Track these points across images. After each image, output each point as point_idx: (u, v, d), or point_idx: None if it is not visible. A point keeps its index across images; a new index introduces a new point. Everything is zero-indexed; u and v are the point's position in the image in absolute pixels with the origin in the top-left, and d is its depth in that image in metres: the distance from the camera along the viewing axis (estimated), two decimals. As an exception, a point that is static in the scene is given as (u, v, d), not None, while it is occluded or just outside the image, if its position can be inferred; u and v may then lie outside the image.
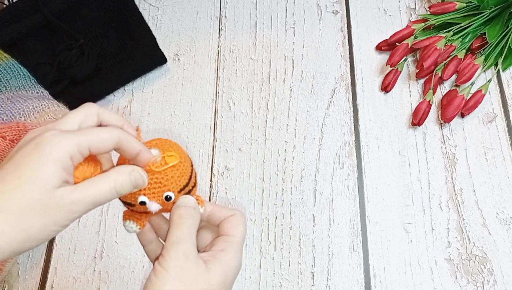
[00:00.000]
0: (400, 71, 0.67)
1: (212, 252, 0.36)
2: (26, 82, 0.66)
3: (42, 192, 0.29)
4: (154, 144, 0.36)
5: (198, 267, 0.34)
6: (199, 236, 0.38)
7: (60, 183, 0.30)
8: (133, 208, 0.36)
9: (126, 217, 0.37)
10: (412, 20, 0.72)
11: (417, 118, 0.64)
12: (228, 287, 0.35)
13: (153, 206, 0.35)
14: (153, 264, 0.38)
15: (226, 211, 0.38)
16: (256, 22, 0.74)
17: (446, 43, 0.65)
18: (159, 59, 0.70)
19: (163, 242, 0.38)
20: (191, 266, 0.33)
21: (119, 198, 0.35)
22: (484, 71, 0.67)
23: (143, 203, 0.35)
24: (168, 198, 0.35)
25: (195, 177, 0.38)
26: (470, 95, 0.64)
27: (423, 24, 0.69)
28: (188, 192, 0.37)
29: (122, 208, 0.37)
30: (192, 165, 0.37)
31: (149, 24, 0.73)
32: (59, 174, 0.30)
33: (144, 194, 0.35)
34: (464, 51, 0.67)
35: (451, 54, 0.66)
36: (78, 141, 0.31)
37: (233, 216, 0.38)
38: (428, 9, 0.70)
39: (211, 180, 0.63)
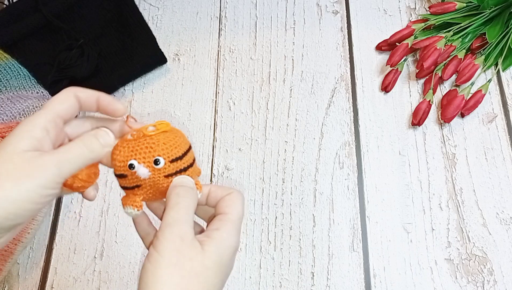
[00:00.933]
0: (400, 71, 0.67)
1: (207, 232, 0.35)
2: (26, 82, 0.66)
3: (12, 155, 0.31)
4: (155, 124, 0.37)
5: (193, 250, 0.32)
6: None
7: (28, 148, 0.32)
8: (125, 182, 0.36)
9: (123, 203, 0.37)
10: (412, 20, 0.72)
11: (417, 118, 0.64)
12: (224, 267, 0.34)
13: (141, 169, 0.35)
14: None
15: (223, 190, 0.37)
16: (256, 22, 0.74)
17: (446, 43, 0.65)
18: (159, 59, 0.70)
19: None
20: (186, 249, 0.32)
21: (114, 174, 0.36)
22: (484, 71, 0.67)
23: (132, 166, 0.35)
24: (157, 162, 0.35)
25: (193, 159, 0.37)
26: (470, 95, 0.64)
27: (423, 24, 0.69)
28: (184, 170, 0.36)
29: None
30: (190, 147, 0.37)
31: (149, 24, 0.73)
32: (28, 141, 0.32)
33: (134, 158, 0.35)
34: (464, 51, 0.67)
35: (451, 54, 0.66)
36: (45, 113, 0.33)
37: (229, 195, 0.37)
38: (428, 9, 0.70)
39: (211, 180, 0.63)
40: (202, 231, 0.38)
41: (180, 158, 0.36)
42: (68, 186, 0.35)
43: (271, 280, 0.58)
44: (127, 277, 0.59)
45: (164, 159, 0.35)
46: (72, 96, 0.35)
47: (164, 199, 0.37)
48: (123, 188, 0.37)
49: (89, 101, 0.36)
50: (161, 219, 0.37)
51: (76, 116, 0.37)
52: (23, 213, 0.31)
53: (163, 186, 0.36)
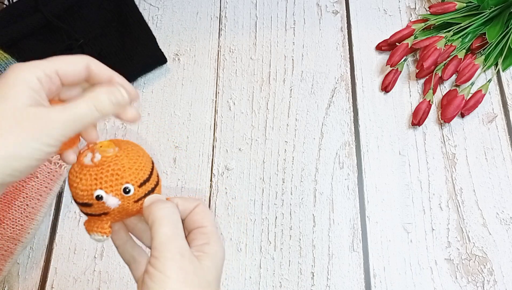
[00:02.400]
0: (400, 71, 0.67)
1: (197, 247, 0.34)
2: (26, 82, 0.66)
3: (14, 110, 0.29)
4: (109, 143, 0.34)
5: (194, 265, 0.32)
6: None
7: (31, 102, 0.30)
8: (90, 210, 0.33)
9: (88, 229, 0.35)
10: (412, 20, 0.72)
11: (417, 118, 0.64)
12: (219, 278, 0.34)
13: (111, 200, 0.32)
14: (128, 265, 0.36)
15: (189, 203, 0.36)
16: (256, 22, 0.74)
17: (446, 43, 0.65)
18: (159, 59, 0.70)
19: (138, 242, 0.37)
20: (188, 264, 0.31)
21: (75, 201, 0.33)
22: (484, 71, 0.67)
23: (99, 197, 0.32)
24: (127, 191, 0.33)
25: (157, 175, 0.35)
26: (470, 95, 0.64)
27: (423, 24, 0.69)
28: (152, 191, 0.34)
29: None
30: (153, 163, 0.35)
31: (149, 24, 0.73)
32: (28, 94, 0.30)
33: (101, 188, 0.32)
34: (464, 51, 0.67)
35: (451, 54, 0.66)
36: (44, 66, 0.31)
37: (198, 207, 0.36)
38: (428, 9, 0.70)
39: (211, 180, 0.63)
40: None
41: (147, 180, 0.34)
42: None
43: (271, 280, 0.58)
44: (127, 277, 0.59)
45: (133, 185, 0.33)
46: (82, 63, 0.33)
47: (135, 221, 0.35)
48: (87, 214, 0.34)
49: (100, 76, 0.34)
50: (139, 237, 0.36)
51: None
52: (24, 170, 0.30)
53: (132, 210, 0.34)
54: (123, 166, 0.33)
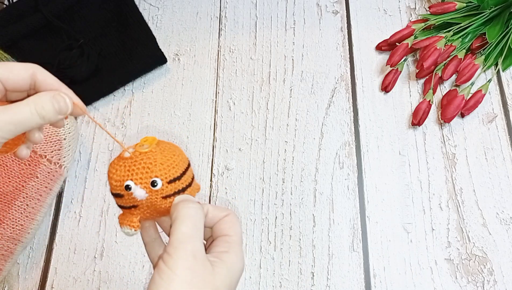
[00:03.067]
0: (400, 71, 0.67)
1: (216, 253, 0.34)
2: (26, 82, 0.66)
3: None
4: (153, 139, 0.36)
5: (205, 269, 0.32)
6: None
7: None
8: (122, 201, 0.35)
9: (120, 222, 0.36)
10: (412, 20, 0.72)
11: (417, 118, 0.64)
12: (233, 289, 0.34)
13: (138, 191, 0.34)
14: (153, 264, 0.37)
15: (220, 211, 0.36)
16: (256, 22, 0.74)
17: (446, 43, 0.65)
18: (159, 59, 0.70)
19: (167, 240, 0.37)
20: (199, 267, 0.31)
21: (111, 193, 0.35)
22: (484, 71, 0.67)
23: (128, 187, 0.33)
24: (154, 184, 0.34)
25: (192, 178, 0.37)
26: (470, 95, 0.64)
27: (423, 24, 0.69)
28: (182, 191, 0.35)
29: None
30: (189, 166, 0.36)
31: (149, 24, 0.73)
32: None
33: (131, 179, 0.34)
34: (464, 51, 0.67)
35: (451, 54, 0.66)
36: None
37: (228, 216, 0.36)
38: (428, 9, 0.70)
39: (211, 180, 0.63)
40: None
41: (178, 178, 0.35)
42: None
43: (271, 280, 0.58)
44: (127, 277, 0.59)
45: (162, 180, 0.34)
46: (26, 71, 0.33)
47: (164, 217, 0.36)
48: (120, 207, 0.36)
49: (46, 86, 0.33)
50: (167, 232, 0.36)
51: (28, 94, 0.34)
52: None
53: (161, 207, 0.35)
54: (155, 160, 0.34)
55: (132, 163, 0.34)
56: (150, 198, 0.34)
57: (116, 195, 0.35)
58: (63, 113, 0.33)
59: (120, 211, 0.36)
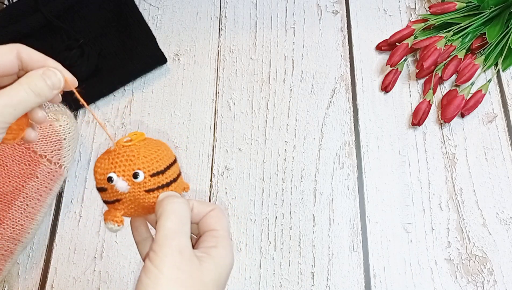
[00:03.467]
0: (400, 71, 0.67)
1: (203, 248, 0.33)
2: (26, 82, 0.66)
3: None
4: (129, 135, 0.35)
5: (192, 265, 0.31)
6: None
7: None
8: (105, 196, 0.34)
9: (104, 218, 0.35)
10: (412, 20, 0.72)
11: (417, 118, 0.64)
12: (222, 285, 0.33)
13: (120, 183, 0.33)
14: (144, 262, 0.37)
15: (205, 206, 0.36)
16: (256, 22, 0.74)
17: (446, 43, 0.65)
18: (159, 59, 0.70)
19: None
20: (186, 264, 0.31)
21: (97, 188, 0.34)
22: (484, 71, 0.67)
23: (110, 179, 0.33)
24: (136, 176, 0.33)
25: (178, 175, 0.36)
26: (470, 95, 0.64)
27: (423, 24, 0.69)
28: (166, 186, 0.35)
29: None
30: (175, 162, 0.36)
31: (149, 24, 0.73)
32: None
33: (113, 171, 0.33)
34: (464, 51, 0.67)
35: (451, 54, 0.66)
36: None
37: (213, 211, 0.35)
38: (428, 9, 0.70)
39: (211, 180, 0.63)
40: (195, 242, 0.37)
41: (161, 172, 0.34)
42: None
43: (271, 280, 0.58)
44: (127, 277, 0.59)
45: (144, 172, 0.34)
46: (11, 53, 0.33)
47: (150, 215, 0.36)
48: (105, 202, 0.35)
49: (33, 62, 0.33)
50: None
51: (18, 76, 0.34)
52: None
53: (144, 201, 0.34)
54: (138, 153, 0.34)
55: (115, 155, 0.34)
56: (132, 190, 0.34)
57: (100, 190, 0.35)
58: (56, 88, 0.33)
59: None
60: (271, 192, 0.62)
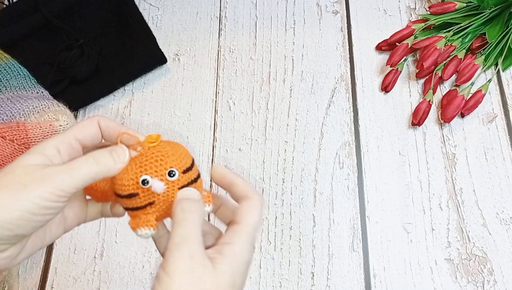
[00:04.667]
0: (400, 71, 0.67)
1: (218, 246, 0.33)
2: (26, 82, 0.66)
3: (17, 168, 0.31)
4: (147, 138, 0.35)
5: (205, 268, 0.30)
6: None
7: (36, 162, 0.31)
8: (136, 202, 0.33)
9: (134, 226, 0.34)
10: (412, 20, 0.72)
11: (417, 118, 0.64)
12: (238, 284, 0.32)
13: (156, 184, 0.33)
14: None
15: (244, 191, 0.35)
16: (256, 22, 0.74)
17: (446, 43, 0.65)
18: (159, 59, 0.70)
19: None
20: (197, 268, 0.30)
21: (120, 195, 0.34)
22: (484, 71, 0.67)
23: (145, 182, 0.33)
24: (172, 174, 0.33)
25: (198, 170, 0.36)
26: (470, 95, 0.64)
27: (423, 24, 0.69)
28: (195, 181, 0.34)
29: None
30: (193, 159, 0.36)
31: (149, 24, 0.73)
32: (36, 157, 0.31)
33: (146, 173, 0.33)
34: (464, 51, 0.67)
35: (451, 54, 0.66)
36: (63, 134, 0.33)
37: (248, 200, 0.34)
38: (428, 9, 0.70)
39: (210, 180, 0.63)
40: (219, 236, 0.36)
41: (190, 168, 0.34)
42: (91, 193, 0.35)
43: (271, 280, 0.58)
44: (127, 277, 0.59)
45: (178, 170, 0.33)
46: (94, 123, 0.34)
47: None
48: (132, 209, 0.34)
49: (109, 130, 0.35)
50: None
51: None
52: (21, 224, 0.30)
53: (175, 199, 0.34)
54: (166, 152, 0.34)
55: (143, 158, 0.33)
56: (167, 190, 0.33)
57: (128, 197, 0.34)
58: (120, 162, 0.33)
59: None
60: (271, 192, 0.62)
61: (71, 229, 0.36)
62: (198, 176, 0.35)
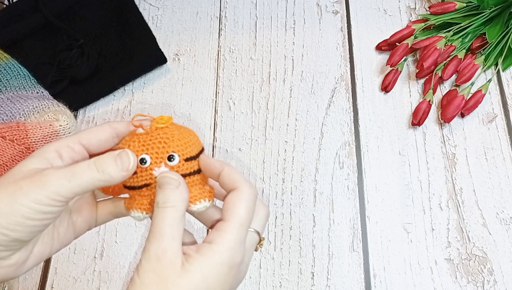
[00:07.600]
0: (400, 71, 0.67)
1: (198, 245, 0.30)
2: (26, 82, 0.66)
3: (16, 170, 0.30)
4: (168, 117, 0.34)
5: (172, 270, 0.29)
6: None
7: (36, 165, 0.31)
8: (134, 180, 0.33)
9: (128, 206, 0.34)
10: (412, 20, 0.72)
11: (417, 118, 0.64)
12: (214, 285, 0.29)
13: (154, 165, 0.32)
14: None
15: (234, 181, 0.32)
16: (256, 22, 0.74)
17: (446, 43, 0.65)
18: (159, 59, 0.70)
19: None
20: (164, 268, 0.29)
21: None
22: (484, 71, 0.67)
23: (143, 161, 0.32)
24: (171, 159, 0.32)
25: None
26: (470, 95, 0.64)
27: (423, 24, 0.69)
28: (197, 172, 0.33)
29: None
30: (203, 149, 0.35)
31: (149, 24, 0.73)
32: (36, 160, 0.31)
33: (146, 153, 0.32)
34: (464, 51, 0.67)
35: (451, 54, 0.66)
36: (68, 138, 0.33)
37: (235, 191, 0.31)
38: (428, 9, 0.70)
39: (211, 180, 0.63)
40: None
41: (194, 157, 0.33)
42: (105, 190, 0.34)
43: (271, 280, 0.58)
44: (127, 277, 0.59)
45: (179, 156, 0.32)
46: (104, 128, 0.34)
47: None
48: (129, 188, 0.33)
49: (125, 130, 0.34)
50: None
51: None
52: (16, 228, 0.29)
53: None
54: (172, 136, 0.33)
55: (148, 137, 0.33)
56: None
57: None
58: (125, 168, 0.32)
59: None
60: (271, 192, 0.62)
61: (82, 233, 0.35)
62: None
